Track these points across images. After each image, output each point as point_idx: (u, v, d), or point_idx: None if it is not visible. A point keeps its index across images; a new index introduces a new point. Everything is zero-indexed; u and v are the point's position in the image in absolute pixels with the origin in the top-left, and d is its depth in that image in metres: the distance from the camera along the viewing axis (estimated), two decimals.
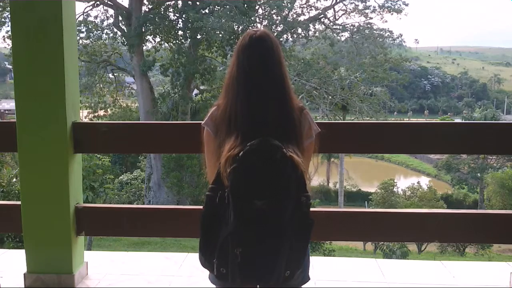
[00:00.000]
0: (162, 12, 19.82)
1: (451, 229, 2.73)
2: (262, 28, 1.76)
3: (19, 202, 2.74)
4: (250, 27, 17.72)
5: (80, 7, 20.68)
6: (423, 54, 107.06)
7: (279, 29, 19.32)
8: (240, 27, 18.38)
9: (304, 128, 1.72)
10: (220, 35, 18.41)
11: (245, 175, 1.52)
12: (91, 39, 20.12)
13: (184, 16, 19.29)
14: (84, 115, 21.04)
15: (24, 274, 2.72)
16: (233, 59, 1.72)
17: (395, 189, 27.60)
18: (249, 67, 1.67)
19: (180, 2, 19.96)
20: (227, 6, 18.10)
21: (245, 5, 18.52)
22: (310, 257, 1.78)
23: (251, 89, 1.66)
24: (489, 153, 21.29)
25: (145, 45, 20.83)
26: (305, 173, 1.60)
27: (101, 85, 21.73)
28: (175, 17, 20.06)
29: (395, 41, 22.85)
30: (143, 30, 19.46)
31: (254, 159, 1.52)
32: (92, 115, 21.33)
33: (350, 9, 21.32)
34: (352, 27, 21.38)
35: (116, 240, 16.20)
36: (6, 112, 47.47)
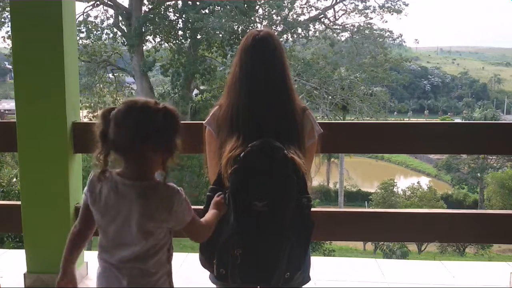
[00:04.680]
0: (162, 12, 19.81)
1: (451, 229, 2.73)
2: (265, 29, 1.76)
3: (19, 202, 2.74)
4: (250, 27, 17.74)
5: (80, 7, 20.65)
6: (423, 54, 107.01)
7: (279, 29, 19.31)
8: (240, 27, 18.37)
9: (306, 129, 1.71)
10: (220, 35, 18.40)
11: (246, 176, 1.51)
12: (91, 39, 20.10)
13: (184, 16, 19.28)
14: (84, 115, 21.03)
15: (24, 274, 2.73)
16: (236, 59, 1.72)
17: (395, 189, 27.62)
18: (252, 68, 1.67)
19: (180, 2, 19.95)
20: (228, 6, 18.09)
21: (245, 5, 18.51)
22: (310, 257, 1.78)
23: (253, 90, 1.65)
24: (490, 153, 21.28)
25: (145, 45, 20.82)
26: (307, 174, 1.60)
27: (101, 85, 21.71)
28: (175, 17, 20.05)
29: (395, 41, 22.82)
30: (143, 30, 19.44)
31: (255, 160, 1.51)
32: (92, 115, 21.32)
33: (350, 9, 21.31)
34: (352, 27, 21.37)
35: None
36: (6, 112, 47.43)
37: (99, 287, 1.50)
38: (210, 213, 1.57)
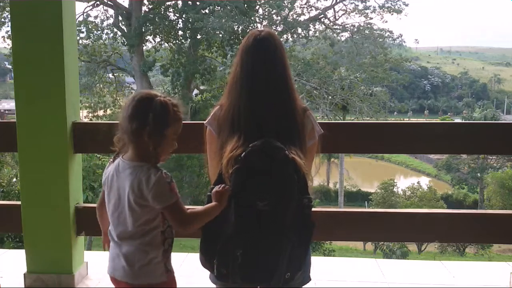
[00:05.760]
0: (162, 12, 19.82)
1: (451, 229, 2.73)
2: (266, 29, 1.75)
3: (19, 202, 2.74)
4: (250, 27, 17.74)
5: (80, 7, 20.67)
6: (423, 54, 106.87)
7: (279, 29, 19.32)
8: (240, 27, 18.38)
9: (307, 130, 1.71)
10: (220, 35, 18.41)
11: (247, 176, 1.52)
12: (91, 39, 20.10)
13: (184, 16, 19.29)
14: (84, 115, 21.03)
15: (24, 274, 2.73)
16: (237, 59, 1.72)
17: (395, 189, 27.60)
18: (253, 68, 1.67)
19: (180, 2, 19.96)
20: (228, 6, 18.09)
21: (245, 5, 18.52)
22: (311, 257, 1.78)
23: (254, 90, 1.65)
24: (490, 153, 21.28)
25: (145, 45, 20.83)
26: (307, 174, 1.60)
27: (101, 85, 21.71)
28: (175, 17, 20.07)
29: (395, 41, 22.84)
30: (143, 30, 19.45)
31: (256, 160, 1.51)
32: (92, 115, 21.32)
33: (350, 9, 21.33)
34: (352, 27, 21.39)
35: None
36: (6, 112, 47.39)
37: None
38: (207, 205, 1.59)
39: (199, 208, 1.61)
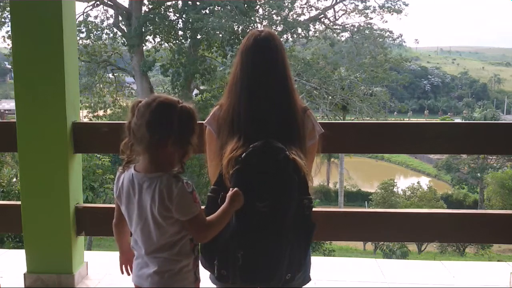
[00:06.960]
0: (162, 12, 19.82)
1: (451, 229, 2.73)
2: (266, 29, 1.75)
3: (19, 202, 2.74)
4: (250, 27, 17.73)
5: (80, 7, 20.67)
6: (423, 54, 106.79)
7: (279, 29, 19.29)
8: (240, 27, 18.37)
9: (307, 129, 1.71)
10: (220, 35, 18.40)
11: (247, 177, 1.51)
12: (91, 39, 20.10)
13: (184, 16, 19.28)
14: (84, 115, 21.02)
15: (24, 274, 2.73)
16: (237, 59, 1.71)
17: (395, 189, 27.59)
18: (253, 68, 1.66)
19: (180, 2, 19.96)
20: (228, 6, 18.09)
21: (245, 5, 18.50)
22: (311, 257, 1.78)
23: (254, 90, 1.65)
24: (490, 153, 21.27)
25: (145, 45, 20.82)
26: (308, 175, 1.60)
27: (101, 85, 21.69)
28: (175, 17, 20.06)
29: (395, 41, 22.82)
30: (143, 30, 19.44)
31: (256, 161, 1.51)
32: (92, 115, 21.31)
33: (350, 9, 21.31)
34: (352, 27, 21.36)
35: None
36: (6, 112, 47.37)
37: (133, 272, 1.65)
38: (218, 210, 1.54)
39: (212, 215, 1.54)
